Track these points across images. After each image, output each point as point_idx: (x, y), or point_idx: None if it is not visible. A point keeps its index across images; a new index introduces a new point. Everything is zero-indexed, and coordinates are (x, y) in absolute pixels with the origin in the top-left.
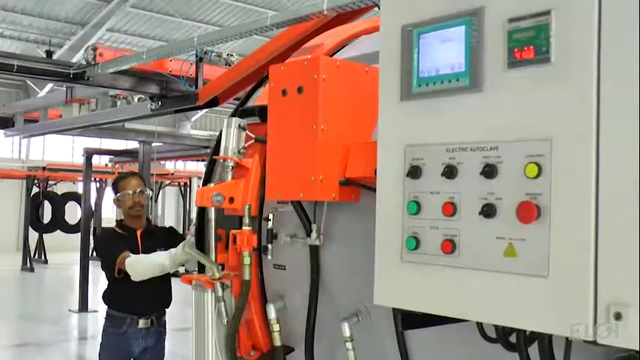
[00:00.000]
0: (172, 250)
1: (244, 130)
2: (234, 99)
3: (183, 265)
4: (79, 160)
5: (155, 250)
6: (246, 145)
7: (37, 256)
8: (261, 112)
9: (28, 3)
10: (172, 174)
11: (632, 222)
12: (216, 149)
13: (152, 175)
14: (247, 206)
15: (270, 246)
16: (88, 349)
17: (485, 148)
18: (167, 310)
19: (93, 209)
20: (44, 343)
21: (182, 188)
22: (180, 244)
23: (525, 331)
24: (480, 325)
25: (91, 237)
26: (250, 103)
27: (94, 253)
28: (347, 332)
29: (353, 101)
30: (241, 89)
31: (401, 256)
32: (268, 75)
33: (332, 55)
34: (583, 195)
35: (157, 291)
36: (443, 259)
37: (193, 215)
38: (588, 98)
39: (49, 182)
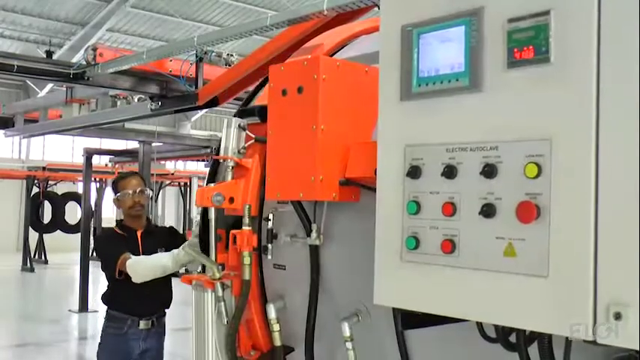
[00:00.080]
0: (175, 251)
1: (244, 130)
2: (235, 99)
3: (184, 266)
4: (79, 160)
5: (156, 251)
6: (246, 145)
7: (37, 257)
8: (261, 112)
9: (28, 3)
10: (172, 174)
11: (631, 222)
12: (220, 150)
13: (152, 175)
14: (247, 206)
15: (270, 246)
16: (88, 349)
17: (485, 148)
18: (167, 310)
19: (93, 209)
20: (44, 343)
21: (182, 188)
22: (183, 244)
23: (525, 330)
24: (479, 325)
25: (91, 237)
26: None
27: (94, 254)
28: (347, 332)
29: (353, 101)
30: (241, 89)
31: (401, 255)
32: None
33: (332, 55)
34: (583, 195)
35: (158, 292)
36: (443, 258)
37: (193, 215)
38: (588, 98)
39: (49, 182)
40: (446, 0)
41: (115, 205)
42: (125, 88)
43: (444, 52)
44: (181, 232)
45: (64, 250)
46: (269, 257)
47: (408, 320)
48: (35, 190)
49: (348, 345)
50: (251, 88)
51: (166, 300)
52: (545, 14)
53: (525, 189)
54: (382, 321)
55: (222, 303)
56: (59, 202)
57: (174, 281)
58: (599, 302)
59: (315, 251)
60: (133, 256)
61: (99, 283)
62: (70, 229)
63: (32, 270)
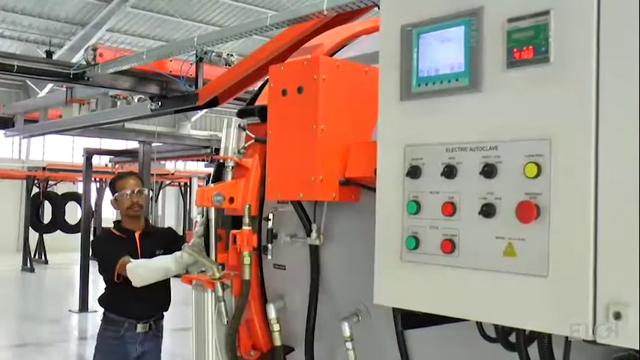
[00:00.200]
0: (178, 253)
1: (244, 130)
2: (235, 99)
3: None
4: (79, 160)
5: (154, 253)
6: (246, 145)
7: (37, 257)
8: (261, 112)
9: (28, 3)
10: (172, 174)
11: (631, 221)
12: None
13: (152, 175)
14: (247, 206)
15: (270, 246)
16: (88, 350)
17: (485, 147)
18: (165, 313)
19: (93, 209)
20: (44, 343)
21: (182, 188)
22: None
23: (525, 330)
24: (479, 325)
25: (92, 237)
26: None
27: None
28: (347, 332)
29: (353, 101)
30: (241, 89)
31: (401, 255)
32: None
33: (332, 55)
34: (582, 194)
35: (157, 295)
36: (442, 258)
37: (193, 215)
38: (587, 98)
39: (49, 182)
40: (445, 0)
41: (112, 206)
42: (125, 89)
43: (443, 52)
44: (182, 231)
45: (64, 250)
46: (269, 257)
47: (408, 320)
48: (35, 190)
49: (348, 345)
50: (252, 88)
51: (165, 303)
52: (544, 14)
53: (525, 189)
54: (382, 321)
55: (222, 303)
56: (59, 202)
57: (175, 281)
58: (599, 302)
59: (315, 251)
60: (133, 260)
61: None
62: (70, 229)
63: (32, 270)
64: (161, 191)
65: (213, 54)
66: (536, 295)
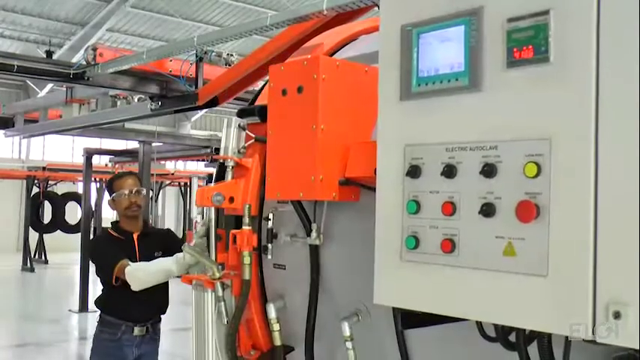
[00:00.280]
0: (179, 254)
1: (244, 129)
2: (235, 99)
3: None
4: (79, 160)
5: (152, 255)
6: (246, 144)
7: (37, 257)
8: (261, 111)
9: (28, 3)
10: (172, 174)
11: (631, 221)
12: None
13: (152, 175)
14: (247, 206)
15: (270, 245)
16: (88, 350)
17: (485, 147)
18: (162, 316)
19: (93, 209)
20: (44, 343)
21: (182, 188)
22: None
23: (525, 330)
24: (479, 325)
25: (92, 237)
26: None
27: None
28: (347, 332)
29: (353, 101)
30: (241, 89)
31: (400, 255)
32: None
33: (332, 55)
34: (582, 194)
35: (156, 297)
36: (442, 258)
37: (194, 215)
38: (587, 98)
39: (49, 182)
40: (445, 0)
41: (110, 206)
42: (125, 88)
43: (443, 52)
44: (182, 231)
45: (64, 250)
46: (269, 257)
47: (408, 320)
48: (35, 190)
49: (348, 345)
50: (252, 88)
51: (163, 306)
52: (544, 14)
53: (525, 188)
54: (382, 321)
55: (222, 303)
56: (59, 202)
57: (175, 281)
58: (599, 301)
59: (315, 251)
60: (132, 263)
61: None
62: (70, 229)
63: (32, 270)
64: (161, 191)
65: (213, 54)
66: (536, 295)
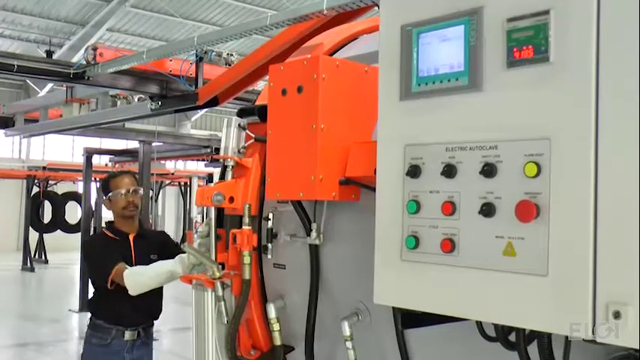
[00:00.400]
0: (183, 255)
1: (244, 129)
2: (235, 98)
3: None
4: (79, 159)
5: (149, 257)
6: (246, 144)
7: (37, 256)
8: (261, 111)
9: (28, 3)
10: (172, 174)
11: (631, 220)
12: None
13: (152, 175)
14: (247, 205)
15: (270, 245)
16: None
17: (485, 147)
18: (165, 313)
19: (93, 209)
20: (44, 343)
21: (182, 188)
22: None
23: (525, 330)
24: (479, 324)
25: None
26: None
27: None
28: (347, 331)
29: (353, 101)
30: (241, 89)
31: (400, 255)
32: None
33: (332, 55)
34: (582, 194)
35: (150, 302)
36: (442, 258)
37: (194, 215)
38: (587, 97)
39: (49, 182)
40: (445, 0)
41: (105, 206)
42: (125, 88)
43: (443, 52)
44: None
45: (64, 250)
46: (269, 257)
47: (408, 319)
48: (35, 189)
49: (348, 344)
50: (252, 88)
51: (156, 310)
52: (544, 14)
53: (525, 188)
54: (382, 320)
55: (223, 302)
56: (59, 202)
57: (174, 281)
58: (599, 301)
59: (315, 251)
60: (130, 267)
61: None
62: (70, 228)
63: (32, 270)
64: (161, 191)
65: (213, 53)
66: (536, 295)
